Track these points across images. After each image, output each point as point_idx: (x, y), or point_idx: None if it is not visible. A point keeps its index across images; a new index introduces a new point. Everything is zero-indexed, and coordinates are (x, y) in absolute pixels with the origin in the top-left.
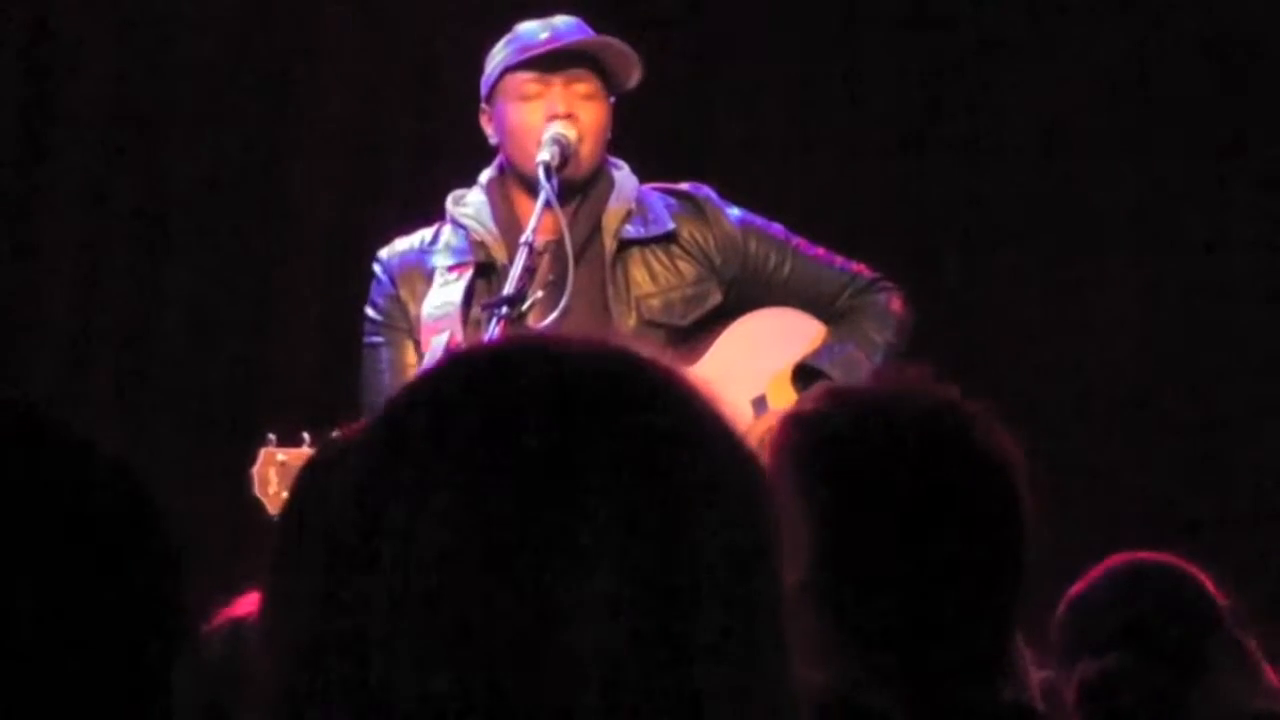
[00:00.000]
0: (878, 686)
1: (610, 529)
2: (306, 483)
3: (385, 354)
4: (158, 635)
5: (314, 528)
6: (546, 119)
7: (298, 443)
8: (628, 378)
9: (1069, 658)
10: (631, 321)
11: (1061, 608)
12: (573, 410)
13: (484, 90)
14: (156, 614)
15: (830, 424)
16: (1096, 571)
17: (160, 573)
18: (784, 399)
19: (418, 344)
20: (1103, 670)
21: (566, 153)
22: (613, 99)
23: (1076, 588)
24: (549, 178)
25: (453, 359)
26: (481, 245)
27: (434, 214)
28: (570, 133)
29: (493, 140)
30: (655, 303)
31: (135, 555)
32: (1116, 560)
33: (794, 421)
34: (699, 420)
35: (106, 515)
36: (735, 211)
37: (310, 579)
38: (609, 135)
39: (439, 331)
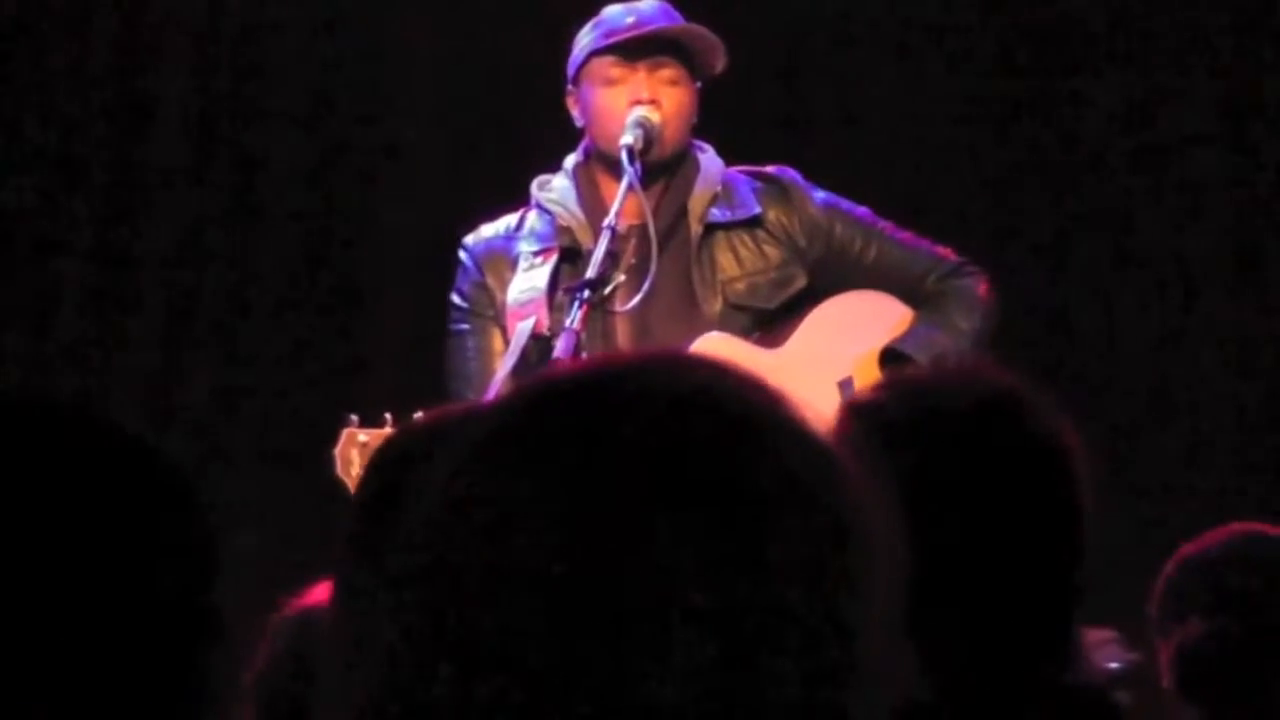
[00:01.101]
0: (934, 677)
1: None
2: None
3: (471, 341)
4: (188, 623)
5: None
6: (630, 103)
7: (380, 424)
8: (705, 403)
9: (1170, 614)
10: (717, 305)
11: (1171, 564)
12: (663, 454)
13: (570, 73)
14: (187, 603)
15: (886, 412)
16: (1214, 535)
17: (191, 562)
18: (871, 380)
19: (504, 330)
20: (1203, 634)
21: (650, 136)
22: (698, 84)
23: (1190, 547)
24: (632, 161)
25: (539, 389)
26: (567, 230)
27: (520, 200)
28: (654, 116)
29: (578, 123)
30: (741, 286)
31: (165, 544)
32: (1236, 527)
33: (851, 410)
34: (788, 450)
35: (138, 507)
36: (820, 194)
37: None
38: (694, 120)
39: (524, 317)
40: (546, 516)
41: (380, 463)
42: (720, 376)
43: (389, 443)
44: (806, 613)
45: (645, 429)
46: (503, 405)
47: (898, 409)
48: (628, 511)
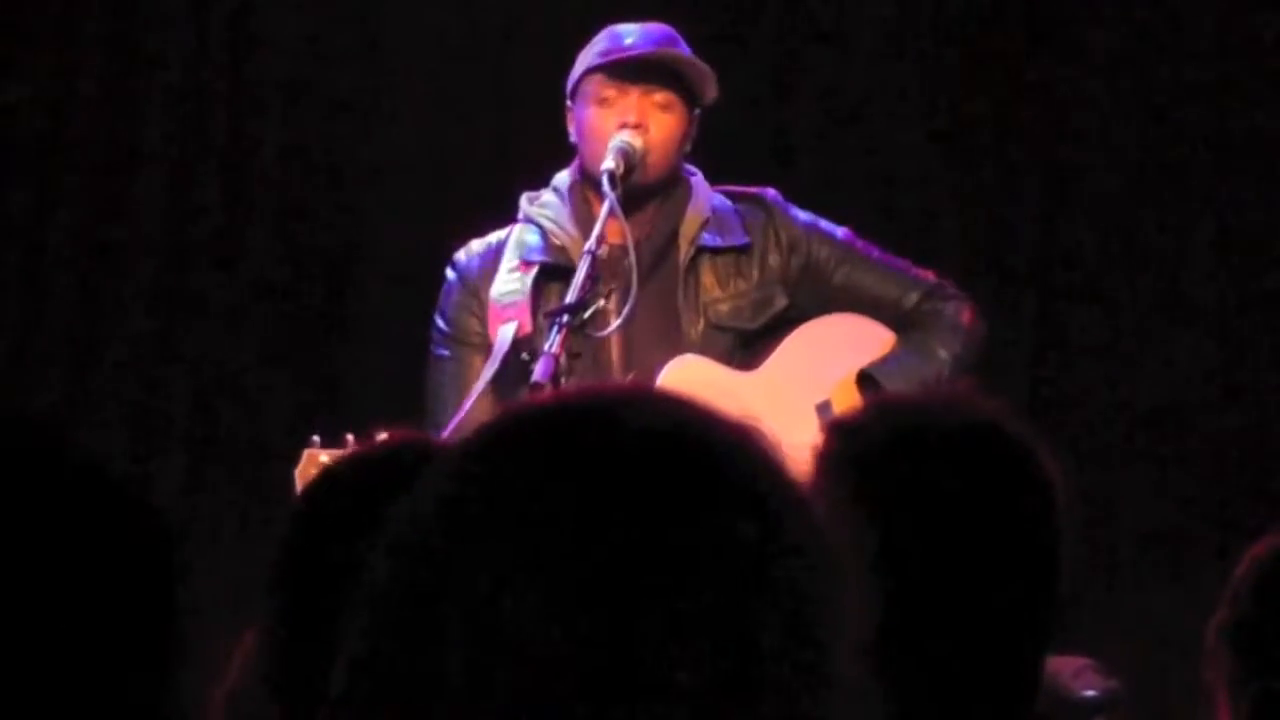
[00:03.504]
0: (901, 706)
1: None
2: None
3: (451, 368)
4: (153, 643)
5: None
6: (617, 126)
7: (341, 444)
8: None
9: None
10: (700, 326)
11: (1244, 568)
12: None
13: (568, 88)
14: (153, 628)
15: (869, 435)
16: None
17: (157, 585)
18: (849, 404)
19: (487, 354)
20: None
21: (631, 162)
22: (695, 111)
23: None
24: (613, 186)
25: (505, 427)
26: (561, 249)
27: (509, 216)
28: (637, 142)
29: (572, 138)
30: (724, 307)
31: (130, 569)
32: None
33: (836, 430)
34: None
35: (99, 527)
36: (801, 215)
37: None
38: (685, 147)
39: (506, 320)
40: (508, 568)
41: (312, 497)
42: (689, 415)
43: (321, 478)
44: (777, 650)
45: (611, 473)
46: (467, 447)
47: (882, 431)
48: (594, 563)
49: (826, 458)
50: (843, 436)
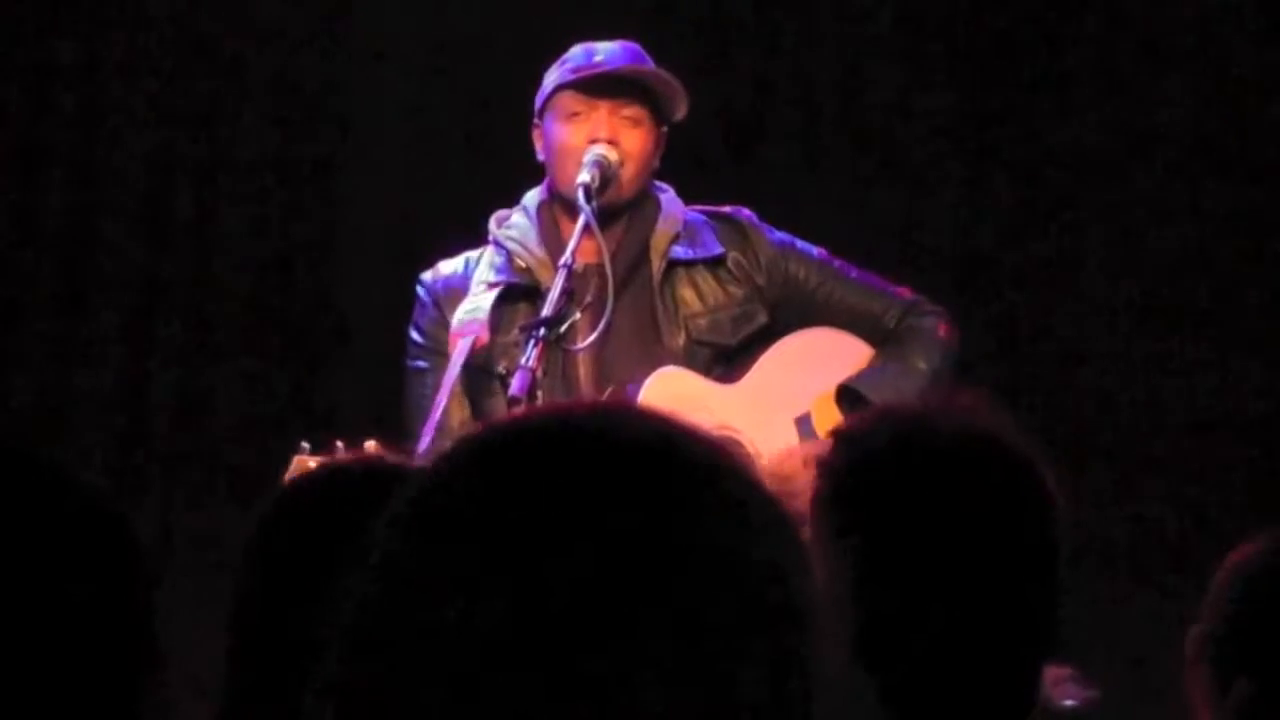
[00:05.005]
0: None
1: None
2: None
3: (430, 379)
4: (123, 661)
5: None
6: (589, 141)
7: (331, 450)
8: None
9: (1219, 672)
10: (680, 340)
11: (1223, 576)
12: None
13: (535, 107)
14: (125, 643)
15: (872, 444)
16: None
17: (129, 602)
18: (828, 418)
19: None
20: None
21: (607, 175)
22: (664, 128)
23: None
24: (588, 200)
25: (480, 444)
26: (526, 270)
27: (481, 236)
28: (612, 155)
29: (540, 156)
30: (703, 322)
31: (103, 584)
32: None
33: (840, 438)
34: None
35: (77, 544)
36: (776, 234)
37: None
38: (655, 163)
39: (464, 335)
40: (487, 581)
41: (281, 509)
42: (667, 431)
43: (291, 489)
44: (756, 663)
45: (588, 490)
46: (443, 464)
47: (885, 440)
48: (572, 580)
49: (831, 467)
50: (847, 446)
